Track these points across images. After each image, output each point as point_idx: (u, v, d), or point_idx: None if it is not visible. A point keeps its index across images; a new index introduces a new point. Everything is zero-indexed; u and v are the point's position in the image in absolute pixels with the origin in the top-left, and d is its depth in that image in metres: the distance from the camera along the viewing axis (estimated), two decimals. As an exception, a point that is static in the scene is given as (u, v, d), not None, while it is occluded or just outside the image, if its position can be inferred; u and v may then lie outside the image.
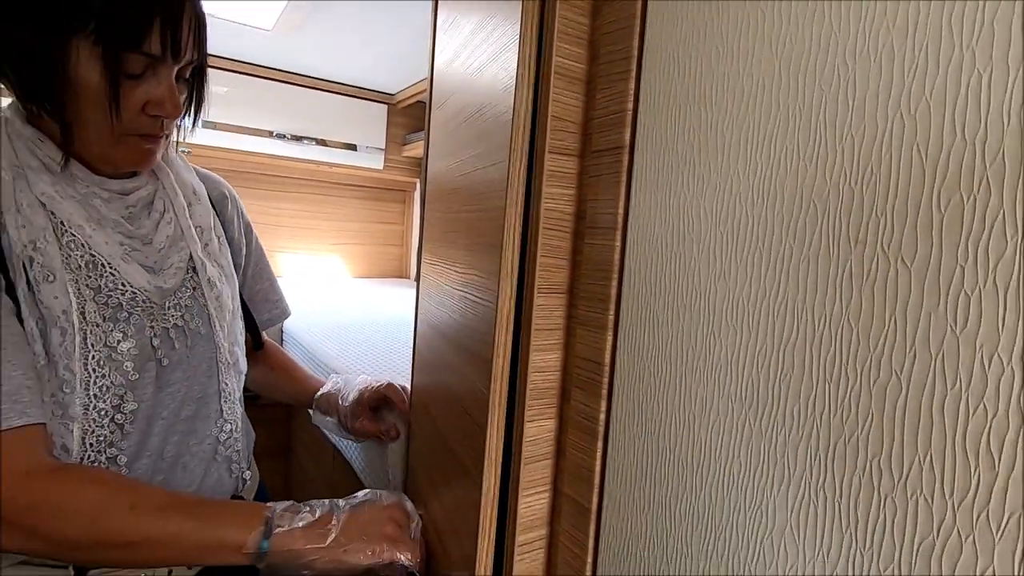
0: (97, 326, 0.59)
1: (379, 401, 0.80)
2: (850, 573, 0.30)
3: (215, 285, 0.70)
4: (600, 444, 0.46)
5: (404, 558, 0.60)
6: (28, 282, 0.56)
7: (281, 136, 2.21)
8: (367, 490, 0.68)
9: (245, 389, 0.82)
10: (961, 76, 0.26)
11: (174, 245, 0.68)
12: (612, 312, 0.46)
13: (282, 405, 1.26)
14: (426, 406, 0.69)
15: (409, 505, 0.66)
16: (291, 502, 0.61)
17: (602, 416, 0.46)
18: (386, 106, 2.49)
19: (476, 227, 0.54)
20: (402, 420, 0.79)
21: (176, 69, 0.60)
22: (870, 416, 0.29)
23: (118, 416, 0.60)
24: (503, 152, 0.48)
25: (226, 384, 0.71)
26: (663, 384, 0.41)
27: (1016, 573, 0.24)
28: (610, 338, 0.46)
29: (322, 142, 2.32)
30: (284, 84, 2.18)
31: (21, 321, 0.55)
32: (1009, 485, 0.24)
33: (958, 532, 0.26)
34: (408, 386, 0.79)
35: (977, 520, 0.25)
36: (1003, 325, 0.24)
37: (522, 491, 0.50)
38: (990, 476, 0.25)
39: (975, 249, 0.25)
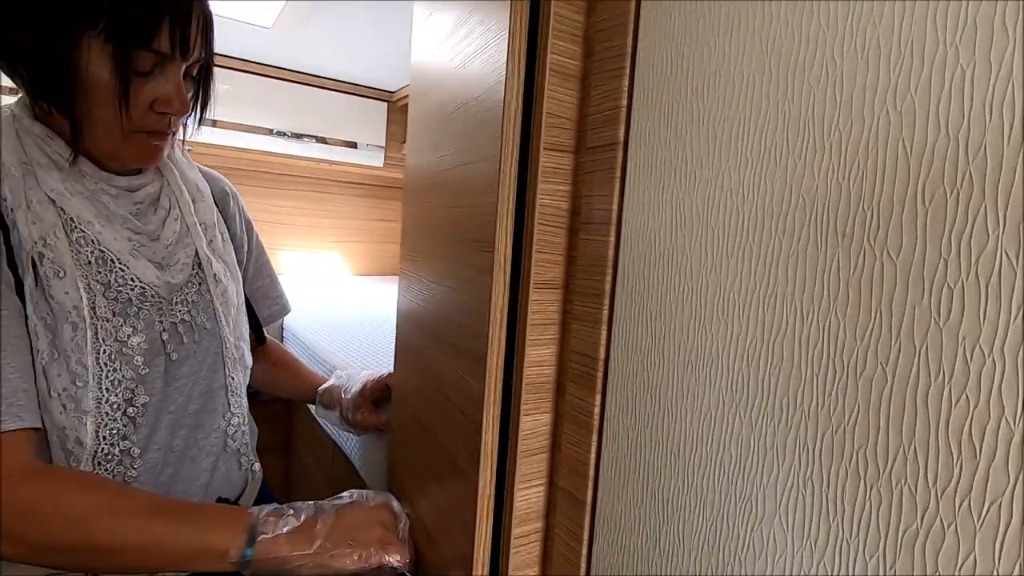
0: (107, 321, 0.60)
1: (380, 393, 0.81)
2: (837, 562, 0.30)
3: (220, 281, 0.71)
4: (595, 437, 0.47)
5: (393, 560, 0.59)
6: (36, 278, 0.56)
7: (281, 134, 2.22)
8: (353, 491, 0.67)
9: (247, 386, 0.83)
10: (945, 72, 0.26)
11: (180, 241, 0.69)
12: (606, 307, 0.46)
13: (282, 401, 1.26)
14: (408, 403, 0.69)
15: (396, 505, 0.65)
16: (275, 505, 0.60)
17: (597, 410, 0.47)
18: (386, 104, 2.49)
19: (461, 222, 0.54)
20: None
21: (184, 67, 0.60)
22: (856, 407, 0.29)
23: (130, 409, 0.61)
24: (490, 148, 0.48)
25: (232, 378, 0.72)
26: (656, 378, 0.41)
27: (996, 560, 0.24)
28: (604, 333, 0.46)
29: (322, 140, 2.33)
30: (284, 82, 2.18)
31: (26, 318, 0.56)
32: (990, 474, 0.25)
33: (941, 521, 0.26)
34: None
35: (959, 508, 0.25)
36: (984, 317, 0.25)
37: (518, 485, 0.51)
38: (972, 465, 0.25)
39: (958, 242, 0.26)
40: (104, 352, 0.59)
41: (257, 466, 0.78)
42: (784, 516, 0.33)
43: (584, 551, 0.48)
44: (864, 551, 0.29)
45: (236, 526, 0.56)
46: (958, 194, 0.26)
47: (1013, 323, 0.24)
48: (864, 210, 0.29)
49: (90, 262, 0.60)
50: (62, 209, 0.59)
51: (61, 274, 0.57)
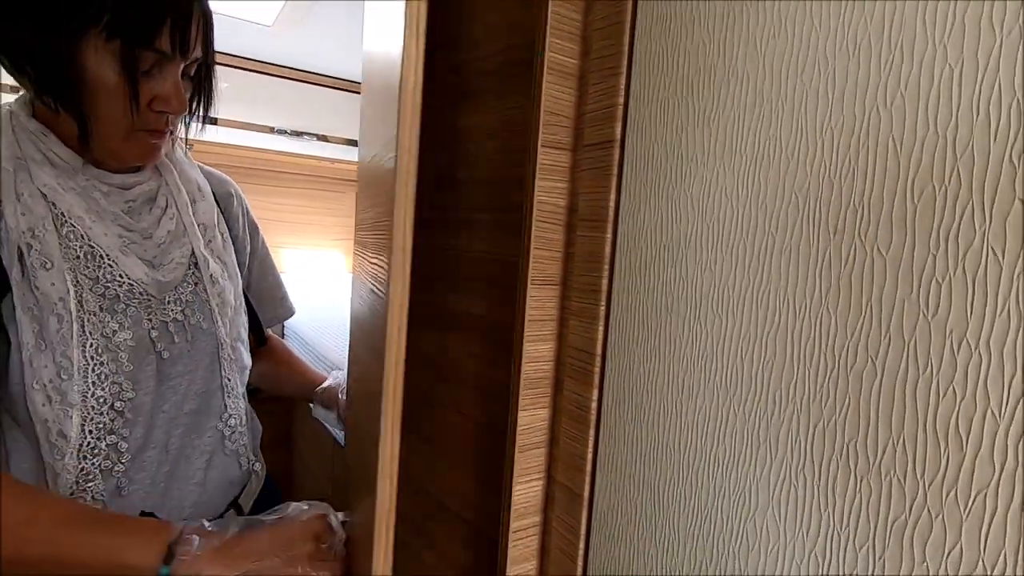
0: (94, 315, 0.60)
1: None
2: (828, 552, 0.31)
3: (217, 281, 0.71)
4: (592, 432, 0.47)
5: None
6: (23, 269, 0.57)
7: (282, 132, 2.22)
8: (291, 503, 0.66)
9: (247, 384, 0.83)
10: (934, 71, 0.27)
11: (176, 241, 0.69)
12: (603, 303, 0.46)
13: (283, 399, 1.27)
14: (352, 406, 0.68)
15: (334, 518, 0.62)
16: (201, 522, 0.58)
17: (594, 405, 0.47)
18: (387, 102, 2.49)
19: (380, 220, 0.53)
20: None
21: (182, 66, 0.61)
22: (847, 401, 0.30)
23: (118, 404, 0.61)
24: (390, 137, 0.44)
25: (228, 379, 0.72)
26: (652, 373, 0.42)
27: (982, 549, 0.25)
28: (601, 329, 0.47)
29: (323, 138, 2.33)
30: (285, 80, 2.19)
31: (14, 308, 0.56)
32: (976, 465, 0.25)
33: (928, 511, 0.27)
34: None
35: (946, 499, 0.26)
36: (971, 311, 0.25)
37: (516, 479, 0.51)
38: (958, 456, 0.26)
39: (946, 238, 0.26)
40: (91, 346, 0.60)
41: (259, 465, 0.78)
42: (777, 508, 0.33)
43: (581, 544, 0.48)
44: (854, 541, 0.29)
45: (154, 542, 0.54)
46: (946, 191, 0.26)
47: (999, 317, 0.24)
48: (855, 206, 0.29)
49: (79, 256, 0.60)
50: (53, 204, 0.59)
51: (48, 265, 0.58)
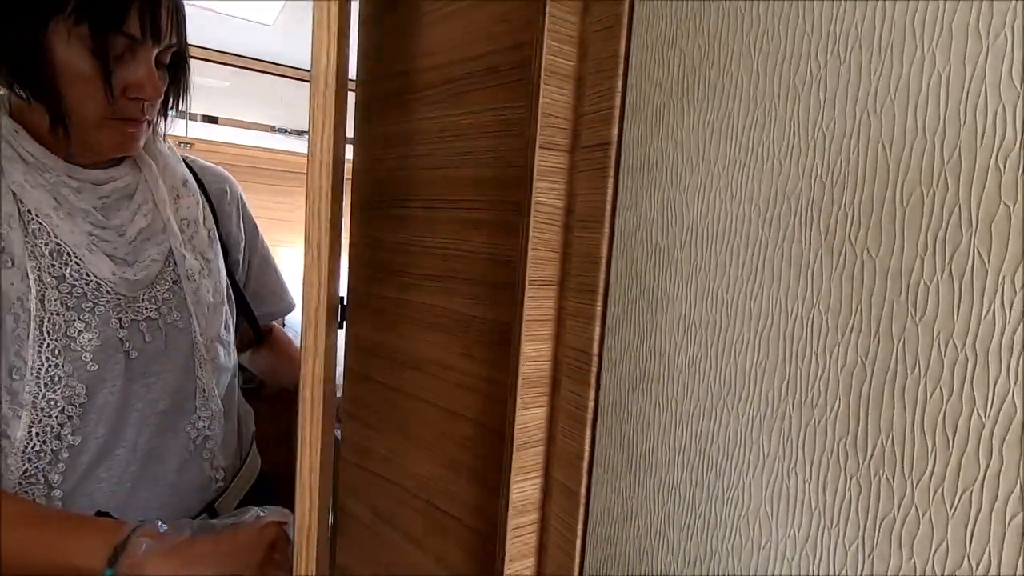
0: (57, 315, 0.59)
1: None
2: (818, 549, 0.31)
3: (193, 278, 0.70)
4: (588, 431, 0.48)
5: None
6: None
7: (282, 130, 2.22)
8: (250, 508, 0.66)
9: (249, 379, 0.83)
10: (922, 76, 0.27)
11: (152, 238, 0.68)
12: (600, 303, 0.47)
13: (285, 396, 1.27)
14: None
15: (291, 527, 0.62)
16: (156, 524, 0.58)
17: (590, 404, 0.48)
18: (387, 100, 2.50)
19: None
20: None
21: (155, 53, 0.61)
22: (838, 400, 0.30)
23: (68, 408, 0.60)
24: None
25: (201, 378, 0.71)
26: (647, 373, 0.42)
27: (968, 547, 0.25)
28: (598, 329, 0.47)
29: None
30: (285, 79, 2.19)
31: None
32: (962, 464, 0.26)
33: (916, 509, 0.27)
34: None
35: (933, 497, 0.26)
36: (958, 313, 0.26)
37: (514, 477, 0.52)
38: (945, 455, 0.26)
39: (933, 241, 0.26)
40: (48, 346, 0.59)
41: (221, 473, 0.75)
42: (769, 506, 0.34)
43: (578, 541, 0.49)
44: (844, 539, 0.30)
45: (100, 543, 0.54)
46: (934, 194, 0.27)
47: (984, 319, 0.25)
48: (846, 210, 0.30)
49: (44, 254, 0.60)
50: (21, 201, 0.59)
51: (9, 264, 0.57)
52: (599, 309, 0.47)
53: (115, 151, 0.65)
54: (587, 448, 0.48)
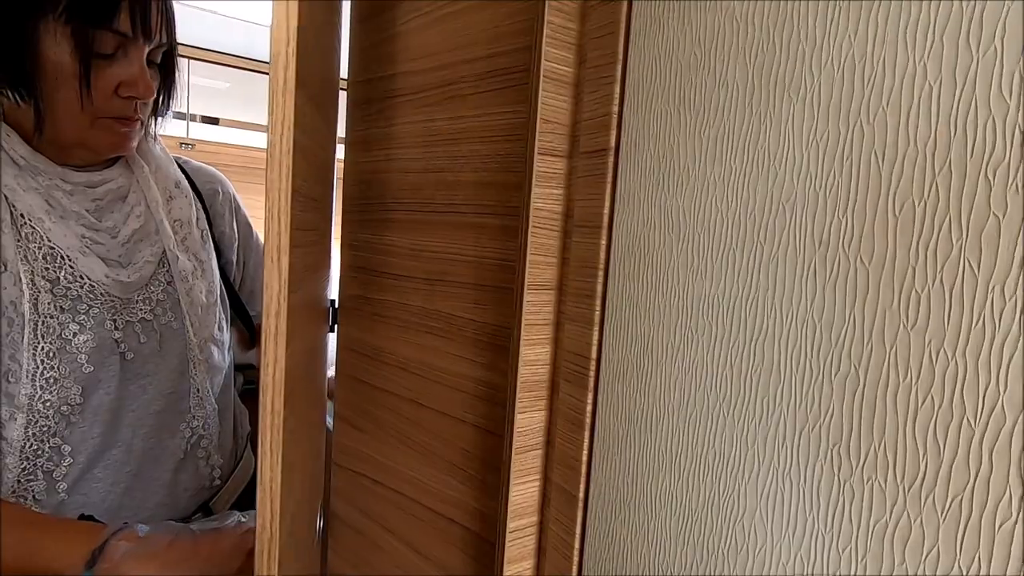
0: (51, 318, 0.59)
1: None
2: (812, 554, 0.31)
3: (187, 279, 0.70)
4: (587, 435, 0.48)
5: None
6: None
7: (283, 131, 2.22)
8: (234, 512, 0.65)
9: (252, 380, 0.83)
10: (914, 88, 0.27)
11: (145, 239, 0.68)
12: (598, 308, 0.47)
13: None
14: None
15: None
16: (135, 527, 0.58)
17: (589, 408, 0.48)
18: (387, 101, 2.49)
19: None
20: None
21: (147, 51, 0.61)
22: (831, 406, 0.31)
23: (64, 408, 0.61)
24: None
25: (195, 379, 0.71)
26: (644, 377, 0.43)
27: (958, 552, 0.26)
28: (596, 333, 0.48)
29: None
30: (286, 80, 2.19)
31: None
32: (953, 470, 0.26)
33: (908, 514, 0.27)
34: None
35: (924, 503, 0.27)
36: (948, 322, 0.26)
37: (513, 480, 0.52)
38: (936, 462, 0.26)
39: (924, 250, 0.27)
40: (42, 349, 0.59)
41: (218, 472, 0.75)
42: (764, 510, 0.34)
43: (577, 544, 0.49)
44: (838, 544, 0.30)
45: (80, 547, 0.55)
46: (925, 204, 0.27)
47: (974, 328, 0.25)
48: (839, 218, 0.30)
49: (38, 258, 0.60)
50: (13, 205, 0.59)
51: (2, 268, 0.58)
52: (597, 314, 0.47)
53: (109, 151, 0.65)
54: (585, 452, 0.49)
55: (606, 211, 0.47)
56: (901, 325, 0.28)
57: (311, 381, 0.57)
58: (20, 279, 0.58)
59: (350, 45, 0.70)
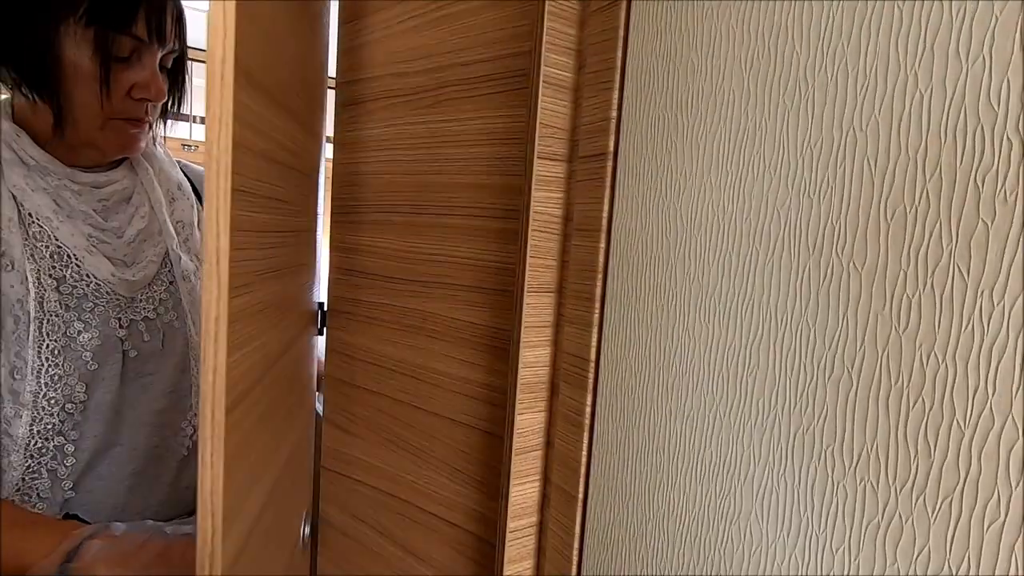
0: (56, 316, 0.61)
1: None
2: (807, 554, 0.32)
3: (189, 279, 0.72)
4: (586, 436, 0.49)
5: None
6: None
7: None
8: None
9: None
10: (905, 96, 0.28)
11: (149, 239, 0.69)
12: (597, 310, 0.48)
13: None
14: None
15: None
16: (112, 526, 0.59)
17: (588, 409, 0.49)
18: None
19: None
20: None
21: (160, 56, 0.63)
22: (825, 409, 0.31)
23: (69, 405, 0.62)
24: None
25: (197, 377, 0.72)
26: (643, 379, 0.43)
27: (948, 552, 0.26)
28: (595, 335, 0.48)
29: (328, 139, 2.35)
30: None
31: None
32: (943, 472, 0.26)
33: (899, 515, 0.28)
34: None
35: (915, 504, 0.27)
36: (939, 326, 0.27)
37: (513, 480, 0.53)
38: (927, 463, 0.27)
39: (915, 256, 0.27)
40: (47, 347, 0.60)
41: None
42: (759, 511, 0.35)
43: (576, 544, 0.50)
44: (831, 544, 0.31)
45: (54, 546, 0.55)
46: (916, 210, 0.27)
47: (963, 332, 0.26)
48: (833, 224, 0.31)
49: (44, 256, 0.61)
50: (21, 204, 0.60)
51: (9, 267, 0.59)
52: (596, 316, 0.48)
53: (119, 151, 0.67)
54: (584, 453, 0.49)
55: (605, 215, 0.47)
56: (893, 329, 0.28)
57: (289, 385, 0.57)
58: (27, 277, 0.59)
59: (337, 46, 0.70)
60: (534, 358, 0.52)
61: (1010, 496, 0.24)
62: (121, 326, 0.66)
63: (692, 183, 0.39)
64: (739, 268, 0.36)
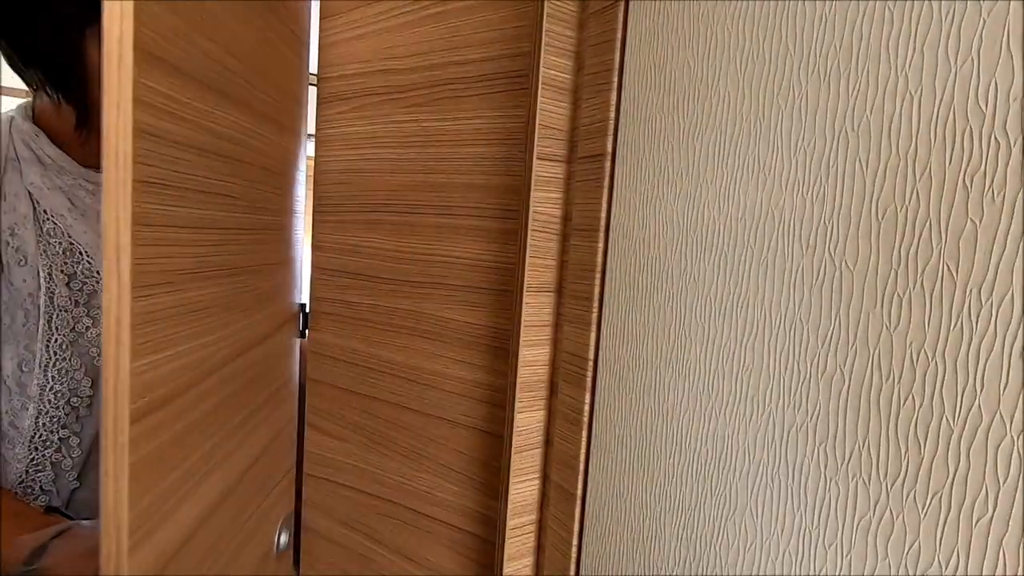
0: (66, 311, 0.62)
1: None
2: (800, 550, 0.32)
3: None
4: (584, 434, 0.49)
5: None
6: (0, 265, 0.59)
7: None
8: None
9: None
10: (896, 97, 0.28)
11: None
12: (596, 310, 0.48)
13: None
14: None
15: None
16: (83, 523, 0.59)
17: (586, 408, 0.49)
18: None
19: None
20: None
21: None
22: (818, 406, 0.31)
23: (74, 399, 0.63)
24: None
25: None
26: (640, 378, 0.44)
27: (937, 547, 0.27)
28: (594, 334, 0.48)
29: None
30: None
31: None
32: (932, 468, 0.27)
33: (890, 511, 0.28)
34: None
35: (906, 500, 0.28)
36: (929, 324, 0.27)
37: (513, 478, 0.53)
38: (917, 460, 0.27)
39: (906, 255, 0.28)
40: (56, 341, 0.62)
41: None
42: (754, 508, 0.35)
43: (575, 541, 0.50)
44: (824, 539, 0.31)
45: (23, 538, 0.56)
46: (906, 210, 0.28)
47: (952, 330, 0.26)
48: (825, 223, 0.31)
49: (57, 252, 0.63)
50: (37, 202, 0.62)
51: (22, 262, 0.60)
52: (595, 315, 0.48)
53: None
54: (583, 450, 0.50)
55: (603, 215, 0.48)
56: (884, 327, 0.29)
57: (252, 386, 0.56)
58: (39, 272, 0.61)
59: (318, 42, 0.70)
60: (533, 357, 0.53)
61: (998, 492, 0.25)
62: None
63: (688, 183, 0.40)
64: (734, 267, 0.36)
